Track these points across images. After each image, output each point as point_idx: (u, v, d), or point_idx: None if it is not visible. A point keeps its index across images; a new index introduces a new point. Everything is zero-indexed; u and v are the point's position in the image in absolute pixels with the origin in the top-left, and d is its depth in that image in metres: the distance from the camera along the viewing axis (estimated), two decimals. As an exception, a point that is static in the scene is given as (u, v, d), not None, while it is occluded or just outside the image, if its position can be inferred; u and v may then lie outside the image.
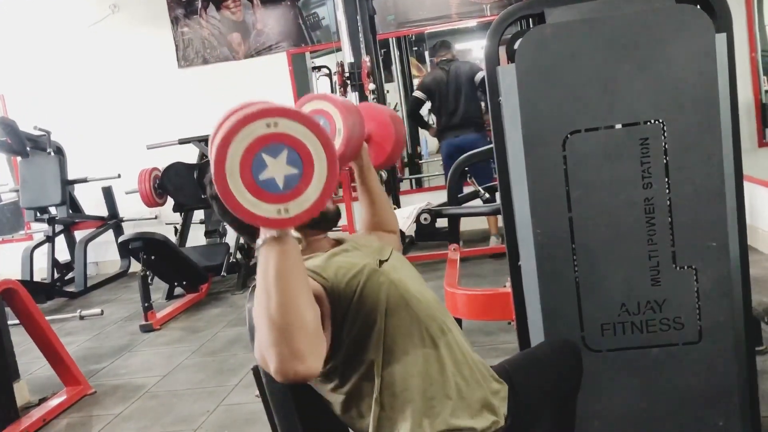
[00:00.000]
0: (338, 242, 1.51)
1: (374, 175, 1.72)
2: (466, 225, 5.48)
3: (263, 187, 0.99)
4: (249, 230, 1.33)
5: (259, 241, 1.06)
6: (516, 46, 1.77)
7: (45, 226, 5.79)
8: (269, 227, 1.02)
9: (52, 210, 5.80)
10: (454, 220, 3.30)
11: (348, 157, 1.58)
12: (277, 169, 0.99)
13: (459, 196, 3.44)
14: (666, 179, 1.71)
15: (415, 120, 5.72)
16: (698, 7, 1.67)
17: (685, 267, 1.74)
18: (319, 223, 1.44)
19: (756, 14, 4.49)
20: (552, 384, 1.64)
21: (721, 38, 1.68)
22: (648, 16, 1.68)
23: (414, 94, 5.59)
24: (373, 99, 4.99)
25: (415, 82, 7.23)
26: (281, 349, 1.01)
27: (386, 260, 1.46)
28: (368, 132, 1.73)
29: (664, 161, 1.71)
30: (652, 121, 1.70)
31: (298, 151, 1.00)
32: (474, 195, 3.45)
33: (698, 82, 1.67)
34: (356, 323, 1.31)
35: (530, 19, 2.22)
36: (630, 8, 1.73)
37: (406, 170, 6.75)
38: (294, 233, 1.07)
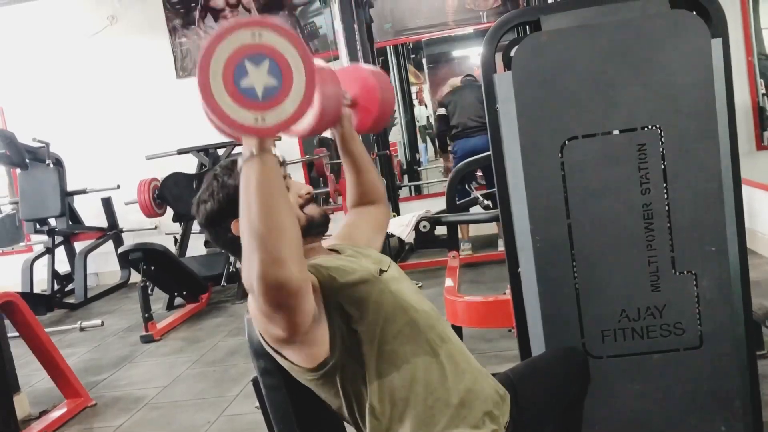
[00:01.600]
0: (336, 252, 1.51)
1: (358, 141, 1.66)
2: (474, 229, 5.49)
3: (243, 93, 1.03)
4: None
5: (240, 161, 1.10)
6: (512, 54, 1.77)
7: (45, 237, 5.79)
8: (245, 134, 1.06)
9: (52, 221, 5.79)
10: (453, 227, 3.30)
11: (322, 128, 1.53)
12: (257, 78, 1.03)
13: (458, 203, 3.44)
14: (664, 184, 1.71)
15: (441, 142, 5.72)
16: (693, 12, 1.68)
17: (685, 272, 1.74)
18: (309, 230, 1.44)
19: (752, 19, 4.50)
20: (557, 392, 1.62)
21: (716, 43, 1.68)
22: (643, 22, 1.69)
23: (438, 113, 5.62)
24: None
25: (413, 89, 7.25)
26: (262, 254, 1.06)
27: (386, 270, 1.45)
28: (354, 96, 1.65)
29: (662, 166, 1.71)
30: (650, 127, 1.70)
31: (279, 64, 1.03)
32: (473, 202, 3.45)
33: (694, 88, 1.67)
34: (355, 327, 1.31)
35: (526, 27, 2.23)
36: (625, 14, 1.74)
37: (405, 177, 6.76)
38: (275, 152, 1.11)
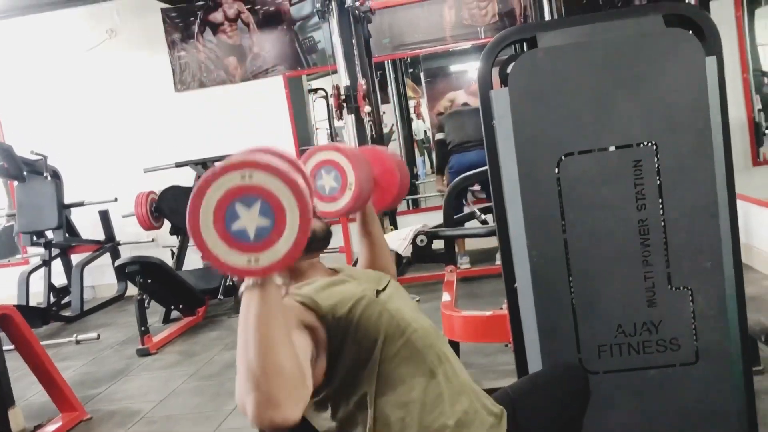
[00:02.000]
0: (335, 271, 1.51)
1: (377, 222, 1.75)
2: (471, 243, 5.49)
3: (234, 236, 1.01)
4: None
5: (241, 288, 1.06)
6: (509, 70, 1.78)
7: (41, 250, 5.78)
8: (238, 275, 1.04)
9: (49, 234, 5.78)
10: (450, 241, 3.30)
11: (356, 209, 1.62)
12: (249, 219, 1.01)
13: (455, 217, 3.45)
14: (660, 200, 1.72)
15: (438, 164, 5.74)
16: (688, 31, 1.69)
17: (681, 288, 1.75)
18: (309, 245, 1.44)
19: (747, 36, 4.53)
20: (556, 409, 1.62)
21: (711, 61, 1.70)
22: (639, 40, 1.71)
23: (436, 137, 5.66)
24: (369, 121, 5.02)
25: (411, 103, 7.28)
26: (257, 395, 1.00)
27: (383, 290, 1.46)
28: (374, 177, 1.73)
29: (658, 182, 1.72)
30: (645, 143, 1.72)
31: (270, 204, 1.01)
32: (470, 216, 3.46)
33: (690, 104, 1.69)
34: (352, 353, 1.31)
35: (523, 43, 2.25)
36: (621, 32, 1.75)
37: None
38: (277, 280, 1.08)
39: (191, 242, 5.62)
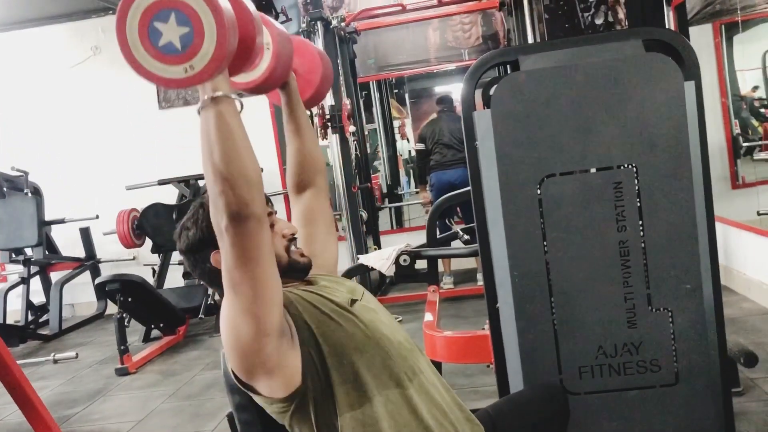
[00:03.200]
0: (309, 282, 1.51)
1: (302, 106, 1.69)
2: (456, 263, 5.49)
3: (164, 52, 1.09)
4: (219, 283, 1.34)
5: (198, 107, 1.14)
6: (491, 92, 1.80)
7: (20, 267, 5.70)
8: (183, 87, 1.12)
9: (28, 251, 5.72)
10: (433, 261, 3.31)
11: (276, 79, 1.55)
12: (170, 32, 1.09)
13: (438, 237, 3.46)
14: (640, 222, 1.74)
15: (420, 175, 5.74)
16: (668, 56, 1.72)
17: (661, 309, 1.76)
18: (288, 273, 1.44)
19: (726, 62, 4.62)
20: (536, 429, 1.63)
21: (689, 86, 1.73)
22: (619, 64, 1.73)
23: (416, 147, 5.67)
24: (354, 141, 5.04)
25: (396, 123, 7.32)
26: (227, 197, 1.12)
27: (358, 300, 1.45)
28: (295, 66, 1.69)
29: (638, 204, 1.74)
30: (625, 165, 1.73)
31: (184, 12, 1.08)
32: (453, 236, 3.47)
33: (668, 128, 1.71)
34: (325, 363, 1.31)
35: (506, 66, 2.27)
36: (601, 56, 1.78)
37: (386, 200, 6.77)
38: (233, 95, 1.15)
39: (173, 260, 5.59)
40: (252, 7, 1.26)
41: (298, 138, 1.68)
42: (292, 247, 1.46)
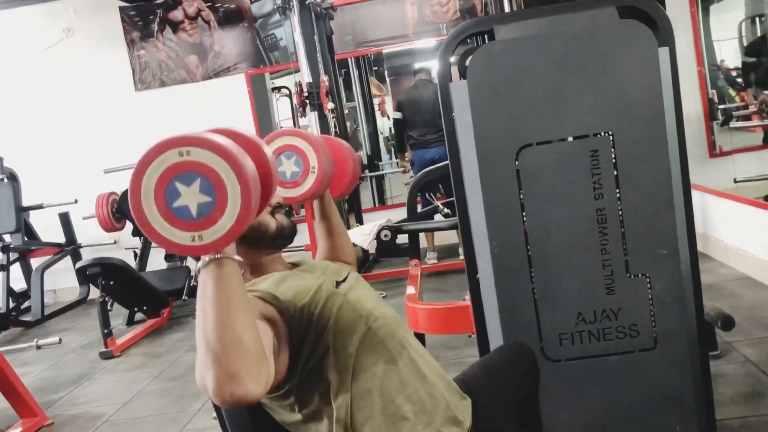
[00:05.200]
0: (294, 265, 1.51)
1: (335, 208, 1.76)
2: (439, 239, 5.50)
3: (177, 214, 1.00)
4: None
5: (199, 264, 1.05)
6: (467, 63, 1.80)
7: (-1, 254, 5.65)
8: (185, 254, 1.04)
9: (6, 238, 5.65)
10: (414, 235, 3.31)
11: (319, 194, 1.64)
12: (190, 197, 1.00)
13: (419, 212, 3.46)
14: (616, 190, 1.75)
15: (398, 143, 5.73)
16: (641, 22, 1.73)
17: (639, 275, 1.78)
18: (275, 240, 1.44)
19: (702, 31, 4.63)
20: (510, 389, 1.64)
21: (664, 52, 1.73)
22: (593, 31, 1.73)
23: (393, 117, 5.65)
24: (333, 118, 5.00)
25: (376, 101, 7.28)
26: (217, 371, 0.99)
27: (343, 281, 1.45)
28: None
29: (614, 172, 1.75)
30: (602, 134, 1.74)
31: (210, 180, 1.00)
32: (434, 211, 3.48)
33: (644, 95, 1.72)
34: (313, 344, 1.31)
35: (483, 36, 2.26)
36: (575, 24, 1.78)
37: (366, 171, 6.73)
38: (236, 257, 1.06)
39: (154, 244, 5.59)
40: (274, 164, 1.18)
41: (330, 238, 1.76)
42: (281, 214, 1.46)
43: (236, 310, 1.02)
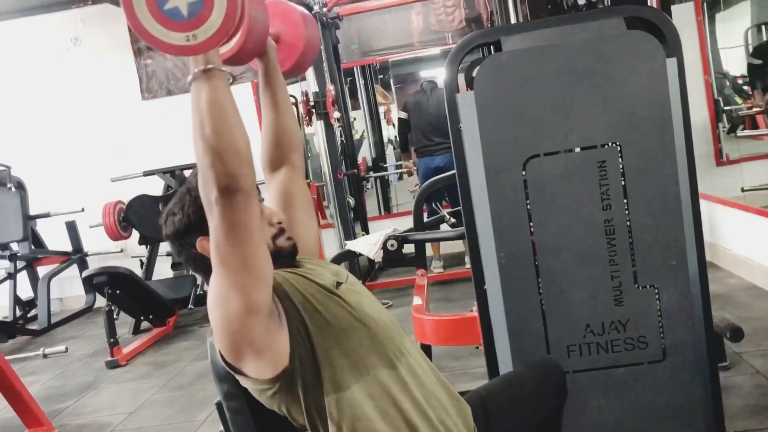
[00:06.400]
0: (295, 265, 1.49)
1: (281, 76, 1.62)
2: (445, 247, 5.49)
3: (169, 16, 1.07)
4: (205, 269, 1.32)
5: (189, 77, 1.14)
6: (474, 74, 1.80)
7: (6, 263, 5.65)
8: (180, 54, 1.12)
9: (14, 246, 5.67)
10: (421, 245, 3.31)
11: (250, 51, 1.48)
12: None
13: (425, 221, 3.46)
14: (624, 200, 1.75)
15: (402, 142, 5.75)
16: (649, 34, 1.72)
17: (647, 286, 1.77)
18: (277, 260, 1.44)
19: (708, 40, 4.62)
20: (531, 409, 1.61)
21: (671, 62, 1.73)
22: (601, 42, 1.73)
23: (399, 116, 5.68)
24: (339, 127, 5.02)
25: (381, 109, 7.29)
26: (217, 170, 1.12)
27: (343, 283, 1.45)
28: (277, 32, 1.63)
29: (622, 183, 1.74)
30: (609, 144, 1.74)
31: None
32: (440, 220, 3.47)
33: (651, 105, 1.71)
34: (314, 340, 1.30)
35: (489, 47, 2.26)
36: (583, 35, 1.78)
37: (371, 172, 6.72)
38: (224, 68, 1.15)
39: (161, 252, 5.57)
40: None
41: (273, 111, 1.62)
42: (281, 237, 1.46)
43: (230, 116, 1.14)
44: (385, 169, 6.94)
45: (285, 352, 1.28)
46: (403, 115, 5.52)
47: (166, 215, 1.41)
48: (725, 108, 4.64)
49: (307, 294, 1.34)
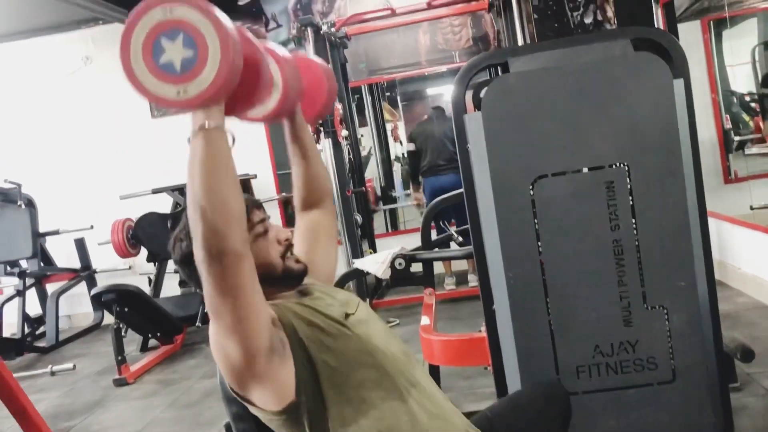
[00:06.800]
0: (304, 294, 1.50)
1: (308, 130, 1.67)
2: (456, 264, 5.47)
3: (163, 69, 1.09)
4: None
5: (189, 134, 1.13)
6: (482, 95, 1.81)
7: (15, 280, 5.68)
8: (170, 107, 1.12)
9: (23, 263, 5.69)
10: (429, 264, 3.31)
11: (285, 112, 1.53)
12: (174, 52, 1.09)
13: (434, 240, 3.46)
14: (633, 221, 1.75)
15: (412, 173, 5.75)
16: (656, 55, 1.73)
17: (656, 306, 1.76)
18: (284, 280, 1.44)
19: (715, 58, 4.63)
20: (538, 429, 1.61)
21: (678, 83, 1.74)
22: (608, 64, 1.74)
23: (407, 149, 5.71)
24: (347, 145, 5.04)
25: (389, 126, 7.33)
26: (204, 226, 1.11)
27: (353, 314, 1.45)
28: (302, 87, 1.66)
29: (630, 203, 1.74)
30: (617, 165, 1.74)
31: (192, 35, 1.08)
32: (448, 239, 3.48)
33: (659, 126, 1.72)
34: (321, 372, 1.30)
35: (496, 68, 2.28)
36: (590, 57, 1.79)
37: (380, 203, 6.78)
38: (224, 127, 1.15)
39: (169, 269, 5.58)
40: (262, 48, 1.25)
41: (303, 161, 1.66)
42: (288, 254, 1.46)
43: (223, 176, 1.12)
44: (395, 200, 6.97)
45: (291, 386, 1.28)
46: (411, 147, 5.56)
47: (174, 241, 1.42)
48: (735, 138, 4.65)
49: (313, 327, 1.33)
